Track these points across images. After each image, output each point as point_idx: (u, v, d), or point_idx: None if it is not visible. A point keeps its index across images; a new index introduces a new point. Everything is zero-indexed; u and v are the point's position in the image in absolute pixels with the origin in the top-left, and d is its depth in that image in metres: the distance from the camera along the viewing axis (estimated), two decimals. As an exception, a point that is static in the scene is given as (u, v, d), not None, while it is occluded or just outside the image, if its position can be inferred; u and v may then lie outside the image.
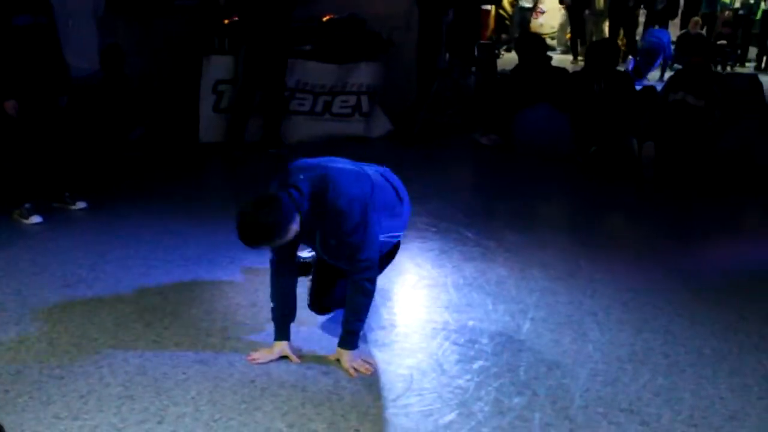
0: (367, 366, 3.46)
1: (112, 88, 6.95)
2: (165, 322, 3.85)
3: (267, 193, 3.29)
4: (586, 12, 15.13)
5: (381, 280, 4.38)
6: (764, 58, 15.41)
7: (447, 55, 9.12)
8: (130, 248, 4.86)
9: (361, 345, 3.56)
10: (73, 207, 5.59)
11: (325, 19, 8.12)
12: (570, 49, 15.76)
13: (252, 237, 3.17)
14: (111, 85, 6.95)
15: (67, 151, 5.53)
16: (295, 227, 3.23)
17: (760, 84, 8.14)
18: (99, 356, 3.51)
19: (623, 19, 14.67)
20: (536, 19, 17.11)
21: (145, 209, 5.65)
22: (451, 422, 3.07)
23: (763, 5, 15.35)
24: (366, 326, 3.79)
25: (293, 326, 3.57)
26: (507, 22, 16.58)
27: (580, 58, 14.99)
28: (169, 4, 8.07)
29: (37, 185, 5.41)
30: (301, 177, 3.34)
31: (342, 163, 3.55)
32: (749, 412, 3.18)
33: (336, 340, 3.52)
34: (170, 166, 7.01)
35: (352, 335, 3.47)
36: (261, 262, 4.61)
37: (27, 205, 5.30)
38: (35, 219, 5.28)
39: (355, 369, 3.42)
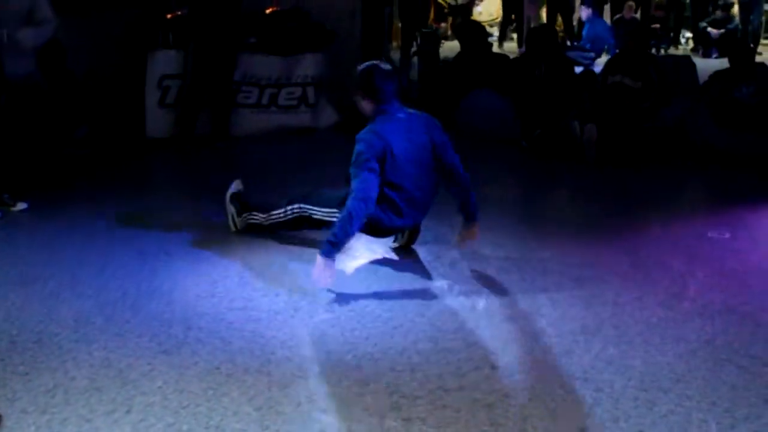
0: (327, 278, 4.02)
1: (53, 86, 6.88)
2: (126, 316, 3.87)
3: None
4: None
5: (337, 264, 4.47)
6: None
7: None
8: (84, 245, 4.86)
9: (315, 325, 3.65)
10: (14, 208, 5.52)
11: (268, 11, 8.14)
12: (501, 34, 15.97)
13: None
14: (52, 82, 6.87)
15: (3, 152, 5.47)
16: None
17: (693, 65, 8.41)
18: (62, 351, 3.52)
19: (560, 5, 14.91)
20: (476, 7, 17.29)
21: (95, 206, 5.63)
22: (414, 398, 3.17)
23: (692, -12, 15.76)
24: (324, 309, 3.91)
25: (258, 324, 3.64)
26: (446, 11, 16.72)
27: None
28: (110, -1, 8.01)
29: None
30: None
31: None
32: (695, 374, 3.35)
33: (308, 332, 3.61)
34: (118, 163, 6.99)
35: (326, 243, 4.05)
36: (218, 253, 4.67)
37: None
38: None
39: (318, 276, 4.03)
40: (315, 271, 4.07)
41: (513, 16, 15.78)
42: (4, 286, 4.23)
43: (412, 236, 4.86)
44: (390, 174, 4.29)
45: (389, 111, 4.39)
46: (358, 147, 4.25)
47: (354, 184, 4.17)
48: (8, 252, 4.76)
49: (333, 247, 4.07)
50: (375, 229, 4.46)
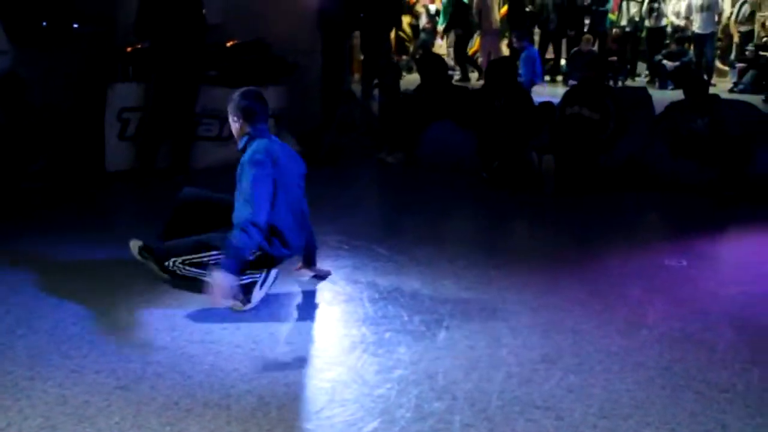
0: (215, 296, 4.02)
1: (10, 119, 6.81)
2: (83, 351, 3.81)
3: None
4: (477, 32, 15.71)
5: (296, 296, 4.51)
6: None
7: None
8: (41, 280, 4.78)
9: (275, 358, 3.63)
10: None
11: (229, 44, 8.16)
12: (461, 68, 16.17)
13: None
14: (9, 116, 6.81)
15: None
16: None
17: (649, 96, 8.56)
18: (16, 389, 3.45)
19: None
20: (437, 39, 17.51)
21: (52, 240, 5.54)
22: (374, 430, 3.15)
23: (647, 23, 16.08)
24: (285, 343, 3.90)
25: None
26: (407, 43, 16.90)
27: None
28: (69, 32, 7.97)
29: None
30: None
31: None
32: (654, 401, 3.38)
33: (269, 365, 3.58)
34: (76, 196, 6.91)
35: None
36: (178, 287, 4.62)
37: None
38: None
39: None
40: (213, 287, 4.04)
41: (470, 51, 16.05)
42: (-44, 323, 4.15)
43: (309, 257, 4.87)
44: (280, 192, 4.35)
45: (263, 132, 4.51)
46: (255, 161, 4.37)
47: (247, 194, 4.23)
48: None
49: (226, 264, 4.05)
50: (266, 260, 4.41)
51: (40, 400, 3.36)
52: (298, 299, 4.58)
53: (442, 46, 17.21)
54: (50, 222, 6.10)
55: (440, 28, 16.95)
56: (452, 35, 16.46)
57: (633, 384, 3.53)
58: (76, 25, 8.07)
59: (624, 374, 3.63)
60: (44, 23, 7.86)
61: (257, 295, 4.40)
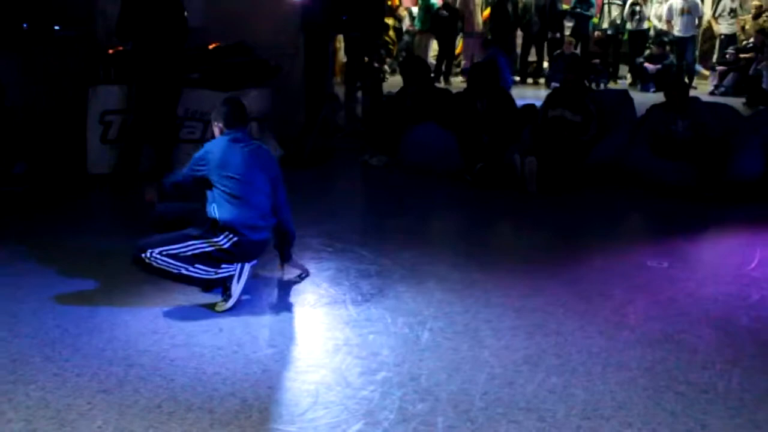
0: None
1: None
2: (65, 354, 3.80)
3: None
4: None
5: (279, 299, 4.53)
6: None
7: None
8: (22, 283, 4.76)
9: (258, 361, 3.64)
10: None
11: (212, 46, 8.13)
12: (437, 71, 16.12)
13: None
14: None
15: None
16: None
17: (630, 99, 8.61)
18: (-2, 392, 3.44)
19: (503, 42, 15.20)
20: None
21: (33, 243, 5.51)
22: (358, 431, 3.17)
23: (628, 26, 16.17)
24: (267, 345, 3.92)
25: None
26: (391, 46, 16.90)
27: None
28: (50, 35, 7.93)
29: None
30: None
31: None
32: (636, 402, 3.40)
33: (251, 368, 3.57)
34: (57, 199, 6.87)
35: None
36: (159, 288, 4.61)
37: None
38: None
39: None
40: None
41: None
42: (-63, 327, 4.12)
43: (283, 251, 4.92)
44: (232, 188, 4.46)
45: (234, 135, 4.59)
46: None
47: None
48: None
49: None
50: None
51: (22, 404, 3.35)
52: (281, 302, 4.58)
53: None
54: (31, 225, 6.06)
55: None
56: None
57: (615, 385, 3.55)
58: (57, 28, 8.04)
59: (606, 375, 3.65)
60: (25, 25, 7.83)
61: (236, 289, 4.43)
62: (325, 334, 4.16)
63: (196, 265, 4.40)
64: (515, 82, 14.87)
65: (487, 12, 16.29)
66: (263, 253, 4.71)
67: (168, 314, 4.30)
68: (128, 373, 3.61)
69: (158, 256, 4.36)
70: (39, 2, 7.85)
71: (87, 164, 7.44)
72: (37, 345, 3.91)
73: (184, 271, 4.38)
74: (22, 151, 7.20)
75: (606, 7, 16.38)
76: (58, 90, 7.69)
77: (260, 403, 3.37)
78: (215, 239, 4.42)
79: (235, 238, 4.43)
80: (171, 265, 4.37)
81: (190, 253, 4.38)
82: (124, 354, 3.81)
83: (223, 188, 4.45)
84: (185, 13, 7.17)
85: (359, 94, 10.26)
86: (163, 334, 4.03)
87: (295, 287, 4.79)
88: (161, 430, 3.15)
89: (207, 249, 4.41)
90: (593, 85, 14.42)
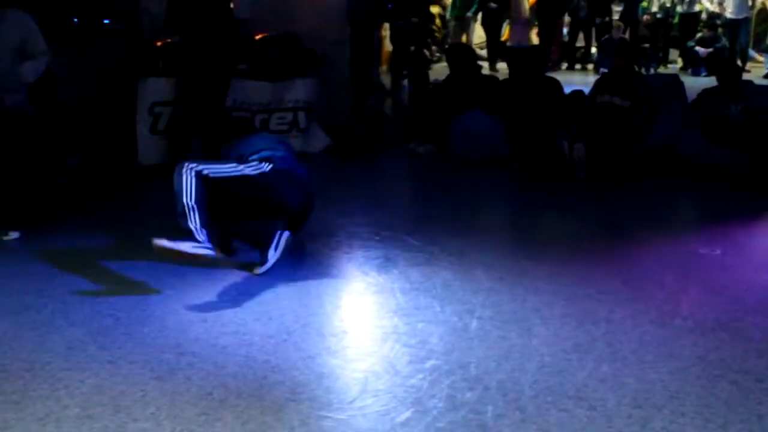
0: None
1: (44, 116, 6.89)
2: (118, 342, 3.86)
3: None
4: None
5: (328, 287, 4.54)
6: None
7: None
8: (76, 274, 4.84)
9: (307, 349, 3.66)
10: (6, 237, 5.47)
11: (258, 37, 8.18)
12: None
13: None
14: (43, 113, 6.88)
15: None
16: None
17: (681, 83, 8.47)
18: (54, 379, 3.51)
19: (551, 27, 15.07)
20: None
21: (86, 234, 5.61)
22: (407, 420, 3.16)
23: (679, 9, 15.88)
24: (317, 333, 3.94)
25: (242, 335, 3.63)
26: (437, 34, 16.82)
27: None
28: (99, 29, 8.04)
29: None
30: None
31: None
32: (689, 391, 3.35)
33: (301, 356, 3.59)
34: (109, 190, 6.98)
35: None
36: (208, 279, 4.67)
37: None
38: None
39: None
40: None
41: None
42: (-5, 316, 4.22)
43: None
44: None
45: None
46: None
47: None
48: (0, 281, 4.74)
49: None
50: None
51: (78, 390, 3.41)
52: (330, 290, 4.60)
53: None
54: (85, 216, 6.17)
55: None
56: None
57: (667, 374, 3.50)
58: (106, 21, 8.15)
59: (658, 364, 3.60)
60: (75, 20, 7.95)
61: (272, 255, 4.66)
62: (373, 322, 4.17)
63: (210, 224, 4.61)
64: (563, 68, 14.72)
65: (533, -2, 16.12)
66: (295, 211, 4.91)
67: (218, 302, 4.35)
68: (180, 361, 3.66)
69: (193, 174, 4.66)
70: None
71: (137, 155, 7.55)
72: (91, 333, 3.98)
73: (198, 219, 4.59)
74: (74, 143, 7.33)
75: (655, -9, 16.13)
76: (109, 83, 7.80)
77: (310, 391, 3.39)
78: (250, 163, 4.74)
79: (270, 165, 4.72)
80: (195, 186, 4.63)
81: (224, 175, 4.67)
82: (175, 342, 3.87)
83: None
84: (231, 5, 7.22)
85: (405, 82, 10.24)
86: (213, 322, 4.08)
87: (345, 276, 4.81)
88: (213, 417, 3.19)
89: (241, 172, 4.71)
90: (643, 70, 14.20)
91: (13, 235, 5.51)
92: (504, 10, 15.55)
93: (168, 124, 7.55)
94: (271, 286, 4.58)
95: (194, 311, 4.24)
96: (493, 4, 15.28)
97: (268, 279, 4.67)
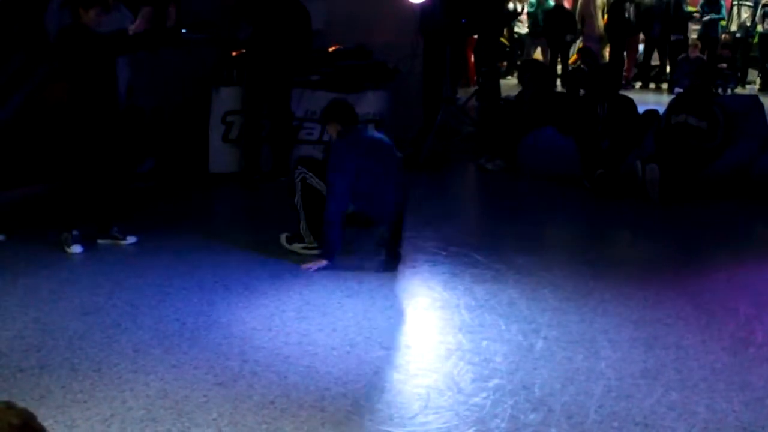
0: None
1: (123, 121, 7.04)
2: (184, 347, 3.91)
3: None
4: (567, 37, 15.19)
5: (393, 301, 4.53)
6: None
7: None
8: (146, 276, 4.93)
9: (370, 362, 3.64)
10: (124, 242, 5.53)
11: (331, 49, 8.24)
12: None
13: None
14: (122, 117, 7.03)
15: (112, 181, 5.56)
16: None
17: (761, 105, 8.23)
18: (120, 381, 3.57)
19: (624, 45, 14.84)
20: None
21: (156, 238, 5.69)
22: (469, 438, 3.13)
23: (759, 28, 15.49)
24: (380, 347, 3.92)
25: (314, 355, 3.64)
26: (507, 49, 16.72)
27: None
28: (177, 37, 8.19)
29: (89, 213, 5.44)
30: None
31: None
32: (763, 423, 3.23)
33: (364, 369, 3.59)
34: (181, 197, 7.09)
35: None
36: (275, 287, 4.70)
37: (75, 232, 5.32)
38: (76, 249, 5.31)
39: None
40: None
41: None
42: (67, 316, 4.31)
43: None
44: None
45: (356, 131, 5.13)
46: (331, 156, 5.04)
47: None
48: (71, 282, 4.85)
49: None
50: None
51: (143, 392, 3.46)
52: (395, 304, 4.59)
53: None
54: (156, 221, 6.26)
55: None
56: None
57: (739, 404, 3.39)
58: (184, 31, 8.30)
59: (730, 393, 3.49)
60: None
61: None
62: (437, 338, 4.14)
63: None
64: (637, 87, 14.46)
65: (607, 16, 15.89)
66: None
67: (283, 312, 4.37)
68: (243, 368, 3.69)
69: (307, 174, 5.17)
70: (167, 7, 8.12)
71: (209, 163, 7.66)
72: (157, 337, 4.04)
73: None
74: (150, 149, 7.47)
75: (735, 9, 15.74)
76: (185, 91, 7.93)
77: (371, 405, 3.37)
78: None
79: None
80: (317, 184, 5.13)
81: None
82: (239, 349, 3.89)
83: None
84: (310, 17, 7.30)
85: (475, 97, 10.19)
86: (277, 332, 4.10)
87: (410, 290, 4.79)
88: (273, 426, 3.19)
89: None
90: (720, 90, 13.87)
91: (131, 239, 5.57)
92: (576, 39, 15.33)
93: (239, 133, 7.64)
94: (336, 298, 4.58)
95: (259, 319, 4.27)
96: (569, 36, 15.07)
97: (332, 290, 4.69)
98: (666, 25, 15.26)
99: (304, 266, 5.00)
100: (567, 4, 16.04)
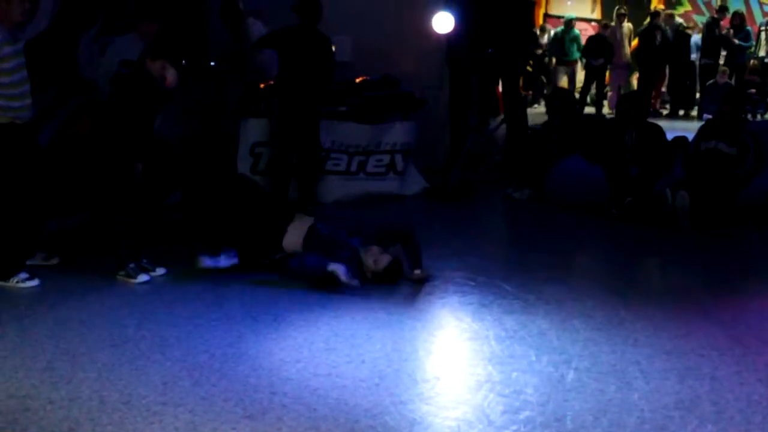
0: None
1: (151, 154, 7.09)
2: (213, 379, 3.90)
3: None
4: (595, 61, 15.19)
5: (422, 332, 4.50)
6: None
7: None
8: (174, 308, 4.94)
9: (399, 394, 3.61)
10: (154, 273, 5.55)
11: (358, 80, 8.29)
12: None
13: None
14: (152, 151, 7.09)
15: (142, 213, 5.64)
16: None
17: (791, 131, 8.15)
18: (149, 413, 3.56)
19: (653, 72, 14.80)
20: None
21: (184, 270, 5.70)
22: (500, 472, 3.08)
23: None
24: (410, 379, 3.90)
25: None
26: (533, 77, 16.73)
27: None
28: (206, 70, 8.29)
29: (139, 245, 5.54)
30: None
31: None
32: (801, 457, 3.17)
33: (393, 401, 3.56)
34: (209, 229, 7.09)
35: None
36: (303, 318, 4.69)
37: (131, 265, 5.41)
38: (141, 278, 5.40)
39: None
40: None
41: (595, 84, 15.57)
42: (95, 347, 4.32)
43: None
44: None
45: None
46: None
47: None
48: (100, 314, 4.86)
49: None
50: None
51: (171, 425, 3.45)
52: (424, 335, 4.56)
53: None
54: (183, 253, 6.26)
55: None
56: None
57: (777, 437, 3.33)
58: (212, 63, 8.39)
59: (766, 426, 3.42)
60: (183, 62, 8.20)
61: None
62: (467, 369, 4.10)
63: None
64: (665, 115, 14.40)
65: (635, 42, 15.87)
66: None
67: (312, 344, 4.35)
68: (272, 401, 3.67)
69: None
70: (197, 40, 8.22)
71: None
72: (186, 368, 4.03)
73: None
74: (178, 181, 7.51)
75: (763, 35, 15.66)
76: (212, 123, 8.00)
77: (401, 438, 3.34)
78: None
79: None
80: None
81: None
82: (268, 382, 3.88)
83: None
84: (333, 49, 7.34)
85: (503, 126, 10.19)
86: (306, 364, 4.08)
87: (438, 321, 4.76)
88: (303, 460, 3.17)
89: None
90: (749, 116, 13.77)
91: (160, 271, 5.59)
92: (608, 63, 15.30)
93: (268, 164, 7.68)
94: (364, 329, 4.56)
95: (287, 351, 4.25)
96: (597, 61, 15.05)
97: (360, 321, 4.67)
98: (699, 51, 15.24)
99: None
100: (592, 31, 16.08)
